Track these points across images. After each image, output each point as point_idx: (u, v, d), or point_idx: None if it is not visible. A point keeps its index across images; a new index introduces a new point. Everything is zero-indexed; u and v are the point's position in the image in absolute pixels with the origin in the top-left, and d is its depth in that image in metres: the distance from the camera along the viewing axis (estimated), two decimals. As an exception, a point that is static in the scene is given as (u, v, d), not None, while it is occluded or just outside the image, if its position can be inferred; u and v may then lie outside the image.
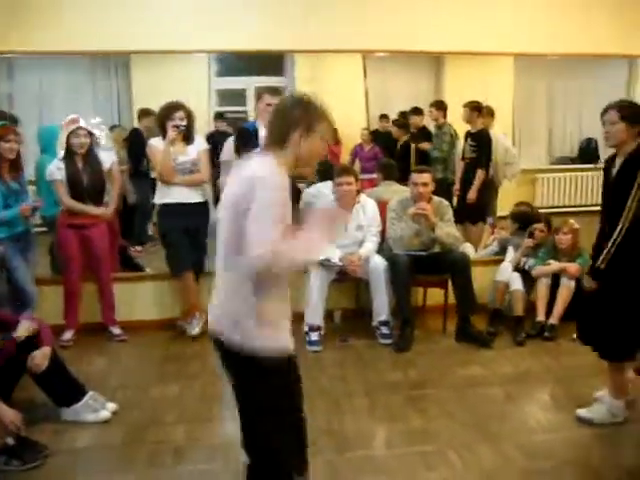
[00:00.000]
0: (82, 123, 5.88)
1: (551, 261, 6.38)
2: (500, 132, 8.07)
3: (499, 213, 7.94)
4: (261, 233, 2.61)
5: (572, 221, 6.51)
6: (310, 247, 2.77)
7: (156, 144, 6.02)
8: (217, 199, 7.88)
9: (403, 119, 8.47)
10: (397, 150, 8.44)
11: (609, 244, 4.14)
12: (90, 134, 5.94)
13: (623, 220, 4.09)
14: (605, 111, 4.30)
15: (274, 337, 2.82)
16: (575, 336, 4.93)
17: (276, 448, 2.88)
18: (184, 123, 5.93)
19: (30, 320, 4.53)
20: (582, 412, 4.51)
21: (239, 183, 2.78)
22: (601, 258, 4.19)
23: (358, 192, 6.26)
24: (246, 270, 2.68)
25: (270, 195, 2.67)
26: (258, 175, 2.71)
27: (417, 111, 8.41)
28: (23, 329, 4.43)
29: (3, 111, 6.64)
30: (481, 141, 7.67)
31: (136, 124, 7.90)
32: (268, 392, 2.83)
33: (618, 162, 4.28)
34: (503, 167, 8.04)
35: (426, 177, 6.16)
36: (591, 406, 4.54)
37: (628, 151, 4.21)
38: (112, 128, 7.71)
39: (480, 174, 7.64)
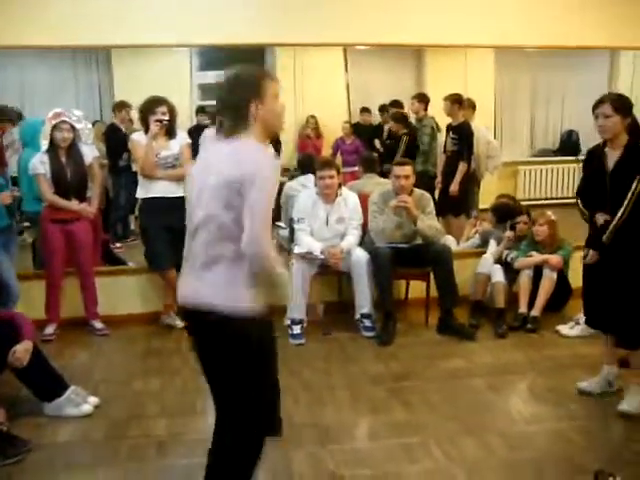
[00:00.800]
0: (66, 117, 5.85)
1: (533, 253, 6.41)
2: (482, 125, 8.08)
3: (481, 206, 7.95)
4: (259, 232, 2.70)
5: (549, 212, 6.55)
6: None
7: (138, 138, 6.00)
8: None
9: (401, 113, 8.37)
10: (390, 142, 8.36)
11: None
12: (73, 128, 5.91)
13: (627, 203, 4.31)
14: (598, 104, 4.39)
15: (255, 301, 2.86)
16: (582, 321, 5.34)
17: (255, 406, 2.93)
18: (167, 118, 5.92)
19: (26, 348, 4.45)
20: (623, 407, 4.48)
21: (229, 163, 2.80)
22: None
23: (340, 185, 6.26)
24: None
25: (268, 192, 2.76)
26: (256, 165, 2.76)
27: (396, 104, 8.41)
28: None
29: (6, 106, 6.69)
30: (462, 134, 7.66)
31: (116, 119, 7.84)
32: (251, 352, 2.85)
33: (613, 153, 4.42)
34: (485, 160, 8.04)
35: (407, 170, 6.17)
36: (626, 398, 4.53)
37: (623, 143, 4.38)
38: (94, 123, 7.66)
39: (462, 167, 7.63)
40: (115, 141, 7.58)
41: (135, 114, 6.40)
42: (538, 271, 6.36)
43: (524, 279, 6.38)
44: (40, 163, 5.84)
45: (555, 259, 6.28)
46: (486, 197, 7.83)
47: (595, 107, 4.39)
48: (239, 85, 2.91)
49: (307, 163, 6.94)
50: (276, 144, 6.36)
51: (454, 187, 7.64)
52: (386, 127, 8.47)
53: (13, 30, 6.18)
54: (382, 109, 8.67)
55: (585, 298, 4.77)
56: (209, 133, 6.58)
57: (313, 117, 8.45)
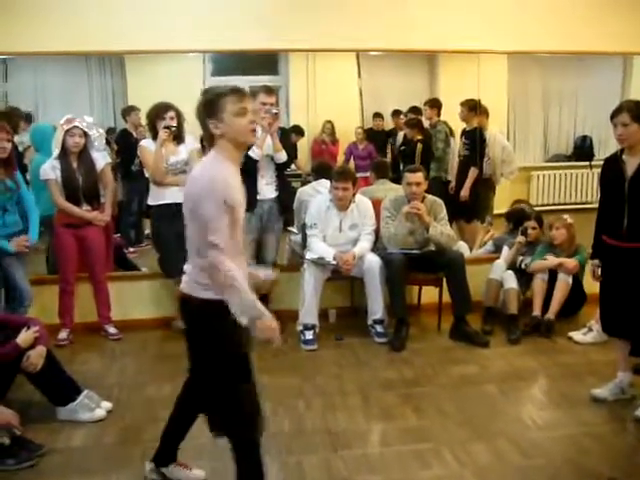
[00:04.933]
0: (78, 123, 5.88)
1: (548, 256, 6.38)
2: (497, 130, 8.06)
3: (494, 212, 7.94)
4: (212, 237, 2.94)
5: (566, 216, 6.52)
6: (240, 304, 2.99)
7: (147, 145, 6.03)
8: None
9: (415, 119, 8.32)
10: (404, 148, 8.32)
11: None
12: (85, 134, 5.94)
13: None
14: (616, 113, 4.38)
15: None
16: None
17: (242, 404, 3.27)
18: (175, 123, 5.94)
19: (34, 331, 4.45)
20: None
21: (190, 183, 3.11)
22: None
23: (353, 194, 6.26)
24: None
25: (210, 205, 2.93)
26: (201, 181, 3.01)
27: (414, 110, 8.38)
28: (24, 339, 4.40)
29: (17, 108, 6.78)
30: (474, 139, 7.66)
31: (128, 125, 7.82)
32: (226, 337, 3.13)
33: (633, 160, 4.39)
34: (500, 165, 8.02)
35: (419, 176, 6.14)
36: None
37: None
38: (109, 131, 7.66)
39: (472, 172, 7.62)
40: (127, 147, 7.57)
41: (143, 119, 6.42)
42: (553, 276, 6.33)
43: (538, 282, 6.34)
44: (51, 169, 5.87)
45: (572, 263, 6.24)
46: (499, 203, 7.81)
47: (613, 116, 4.39)
48: (200, 106, 3.10)
49: (321, 169, 6.92)
50: (291, 149, 6.33)
51: (464, 192, 7.63)
52: (400, 133, 8.44)
53: (26, 37, 6.23)
54: (395, 114, 8.65)
55: (602, 304, 4.76)
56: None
57: (329, 122, 8.38)
